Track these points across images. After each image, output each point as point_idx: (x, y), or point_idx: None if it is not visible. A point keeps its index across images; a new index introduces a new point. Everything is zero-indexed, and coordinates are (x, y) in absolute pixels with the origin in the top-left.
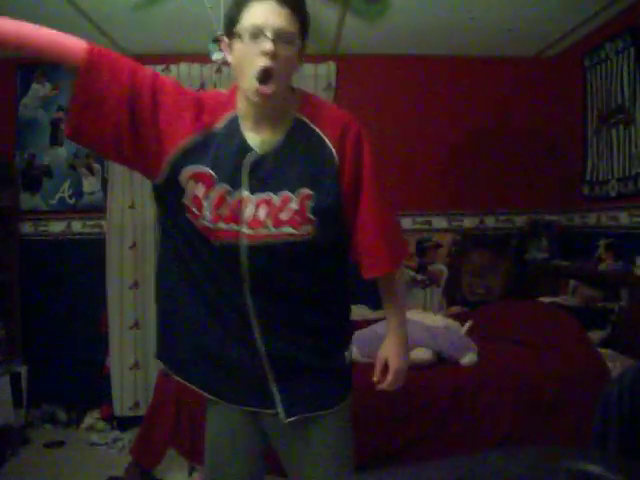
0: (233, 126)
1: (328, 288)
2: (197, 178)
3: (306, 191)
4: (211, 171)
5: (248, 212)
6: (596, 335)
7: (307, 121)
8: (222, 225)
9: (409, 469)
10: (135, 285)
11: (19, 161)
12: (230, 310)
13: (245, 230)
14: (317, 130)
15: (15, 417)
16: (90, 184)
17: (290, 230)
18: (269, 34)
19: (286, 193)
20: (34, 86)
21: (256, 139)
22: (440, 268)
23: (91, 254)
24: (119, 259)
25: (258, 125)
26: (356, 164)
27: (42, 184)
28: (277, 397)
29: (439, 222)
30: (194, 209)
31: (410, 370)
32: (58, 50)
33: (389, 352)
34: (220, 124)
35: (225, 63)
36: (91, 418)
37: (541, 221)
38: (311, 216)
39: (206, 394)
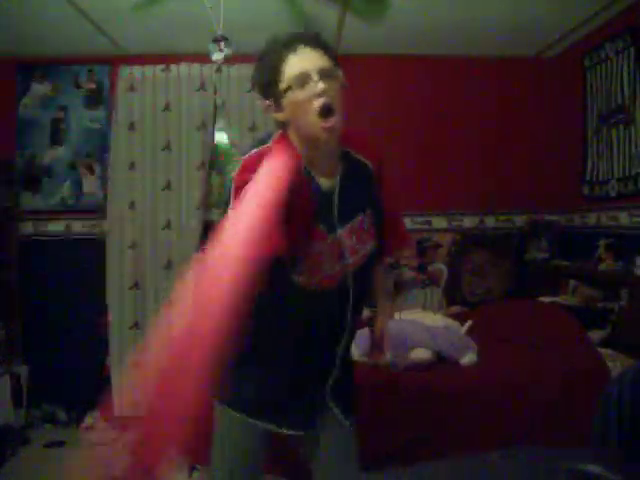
0: (308, 179)
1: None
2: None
3: (369, 211)
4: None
5: (345, 243)
6: (596, 335)
7: (351, 151)
8: (327, 267)
9: (409, 469)
10: (135, 285)
11: (19, 161)
12: (323, 334)
13: (349, 260)
14: (360, 158)
15: (15, 417)
16: (90, 184)
17: (370, 246)
18: (315, 76)
19: (360, 216)
20: (34, 86)
21: (324, 182)
22: (440, 268)
23: (91, 254)
24: (119, 259)
25: (324, 167)
26: (383, 181)
27: (42, 184)
28: (334, 407)
29: (439, 222)
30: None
31: (410, 370)
32: None
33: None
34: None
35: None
36: (91, 418)
37: (541, 221)
38: (374, 230)
39: (249, 419)
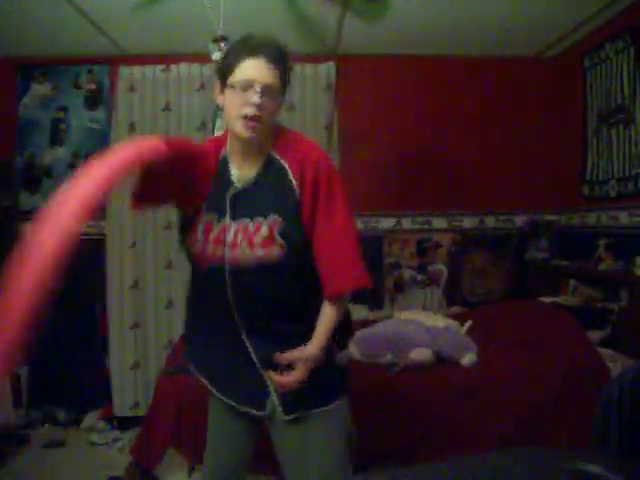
0: (223, 163)
1: (302, 300)
2: (197, 211)
3: (275, 217)
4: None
5: (229, 236)
6: (596, 335)
7: (277, 156)
8: (210, 248)
9: (409, 469)
10: (135, 285)
11: (19, 161)
12: (225, 324)
13: (227, 253)
14: (284, 164)
15: (15, 417)
16: None
17: (261, 252)
18: (257, 88)
19: (259, 220)
20: (34, 86)
21: (238, 174)
22: (440, 268)
23: (91, 254)
24: (119, 259)
25: (242, 161)
26: (313, 196)
27: (42, 184)
28: (275, 397)
29: (439, 222)
30: (192, 236)
31: (410, 370)
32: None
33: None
34: (218, 164)
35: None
36: (91, 418)
37: (541, 221)
38: (279, 240)
39: (213, 391)
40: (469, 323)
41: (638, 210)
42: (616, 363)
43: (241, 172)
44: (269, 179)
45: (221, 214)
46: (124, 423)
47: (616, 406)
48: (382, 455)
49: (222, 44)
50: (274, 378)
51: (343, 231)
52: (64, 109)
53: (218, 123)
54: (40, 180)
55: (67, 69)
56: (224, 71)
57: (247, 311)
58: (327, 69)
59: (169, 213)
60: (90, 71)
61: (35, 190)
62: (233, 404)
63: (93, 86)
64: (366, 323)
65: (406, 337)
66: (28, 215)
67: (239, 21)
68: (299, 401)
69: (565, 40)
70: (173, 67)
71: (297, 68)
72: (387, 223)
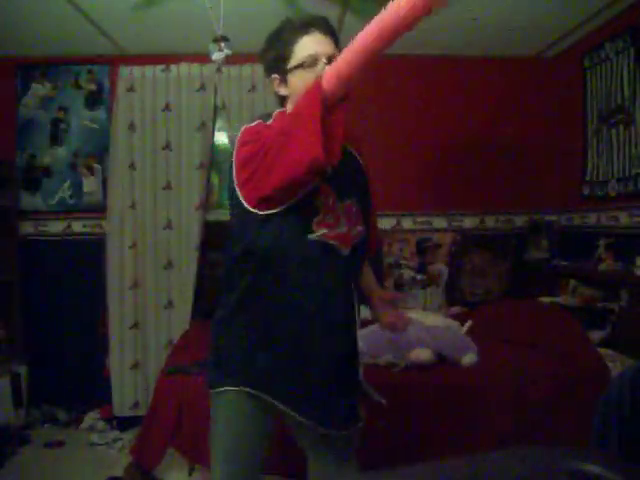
0: None
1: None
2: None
3: (356, 199)
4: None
5: (342, 219)
6: (596, 335)
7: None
8: (346, 228)
9: (409, 470)
10: (135, 285)
11: (19, 161)
12: (332, 320)
13: (356, 229)
14: (350, 149)
15: (15, 417)
16: (90, 184)
17: (360, 229)
18: (324, 60)
19: (350, 200)
20: (34, 86)
21: None
22: (440, 268)
23: (91, 254)
24: (119, 259)
25: None
26: (368, 174)
27: (42, 184)
28: (340, 407)
29: (439, 222)
30: (331, 220)
31: (410, 370)
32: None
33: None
34: None
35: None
36: (91, 418)
37: (541, 221)
38: (361, 218)
39: (284, 407)
40: (469, 323)
41: (638, 210)
42: (616, 363)
43: None
44: (346, 163)
45: (333, 194)
46: (124, 423)
47: (616, 406)
48: (381, 455)
49: (222, 44)
50: (386, 320)
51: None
52: (64, 109)
53: (219, 123)
54: (40, 180)
55: (67, 69)
56: (279, 61)
57: (354, 298)
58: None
59: (169, 213)
60: (90, 71)
61: (35, 190)
62: (310, 422)
63: (93, 86)
64: (366, 323)
65: (406, 337)
66: (28, 215)
67: (239, 21)
68: (356, 414)
69: (565, 40)
70: (173, 67)
71: None
72: (387, 223)
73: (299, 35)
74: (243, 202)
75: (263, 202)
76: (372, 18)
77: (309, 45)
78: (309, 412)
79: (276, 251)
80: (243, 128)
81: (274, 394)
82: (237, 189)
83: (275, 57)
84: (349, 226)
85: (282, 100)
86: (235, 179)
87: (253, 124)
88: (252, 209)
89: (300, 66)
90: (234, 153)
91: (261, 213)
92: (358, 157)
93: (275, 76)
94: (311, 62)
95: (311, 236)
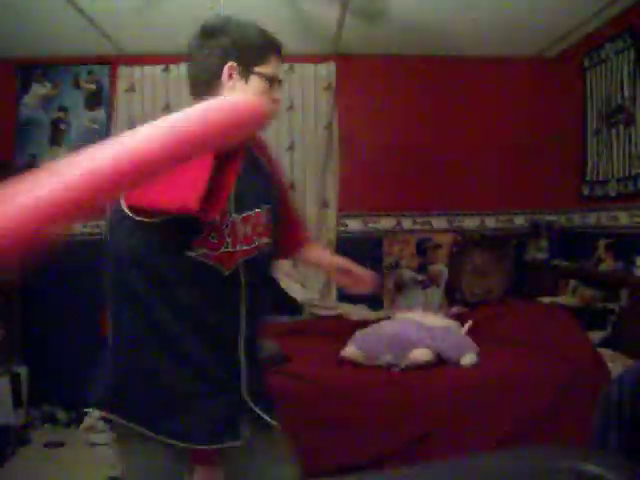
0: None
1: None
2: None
3: (267, 206)
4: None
5: (240, 230)
6: (596, 335)
7: (250, 148)
8: (229, 247)
9: (409, 470)
10: None
11: (19, 161)
12: (223, 335)
13: (243, 246)
14: (255, 154)
15: (15, 417)
16: None
17: (266, 240)
18: (279, 85)
19: (258, 209)
20: (34, 86)
21: None
22: (440, 268)
23: (91, 254)
24: None
25: None
26: (279, 179)
27: None
28: (255, 409)
29: (439, 222)
30: (214, 240)
31: (410, 370)
32: None
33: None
34: None
35: None
36: (91, 418)
37: (541, 221)
38: (271, 225)
39: (176, 442)
40: (469, 323)
41: (638, 210)
42: (616, 363)
43: None
44: (251, 170)
45: (228, 209)
46: None
47: (616, 406)
48: (381, 455)
49: None
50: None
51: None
52: (64, 109)
53: None
54: None
55: (67, 69)
56: (249, 58)
57: (251, 317)
58: (327, 69)
59: None
60: (90, 71)
61: None
62: (174, 442)
63: (93, 86)
64: (366, 323)
65: (406, 337)
66: None
67: None
68: (271, 406)
69: (565, 40)
70: (173, 67)
71: (297, 68)
72: (387, 223)
73: (272, 53)
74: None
75: (135, 210)
76: (372, 18)
77: (276, 65)
78: (204, 437)
79: (155, 263)
80: None
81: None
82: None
83: (247, 53)
84: (242, 242)
85: (210, 87)
86: None
87: None
88: (127, 210)
89: (266, 77)
90: None
91: (137, 218)
92: (266, 164)
93: (234, 64)
94: (272, 81)
95: (189, 253)
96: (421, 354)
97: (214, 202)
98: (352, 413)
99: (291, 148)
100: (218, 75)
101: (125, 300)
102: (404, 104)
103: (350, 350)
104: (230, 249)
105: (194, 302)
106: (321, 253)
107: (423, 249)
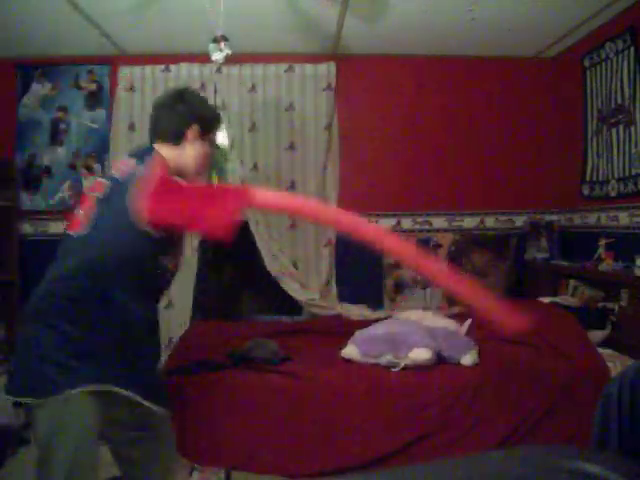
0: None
1: None
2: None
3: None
4: None
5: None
6: (596, 335)
7: None
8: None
9: (410, 470)
10: None
11: (19, 161)
12: (156, 322)
13: (179, 260)
14: None
15: (15, 417)
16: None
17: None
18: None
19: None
20: (34, 86)
21: None
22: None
23: None
24: None
25: None
26: None
27: (42, 184)
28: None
29: (439, 222)
30: (177, 252)
31: (410, 370)
32: None
33: None
34: None
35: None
36: None
37: (541, 221)
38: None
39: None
40: (468, 321)
41: (638, 210)
42: (616, 363)
43: None
44: None
45: None
46: None
47: (616, 406)
48: (381, 455)
49: (222, 44)
50: None
51: None
52: (64, 109)
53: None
54: (40, 180)
55: (67, 69)
56: (210, 125)
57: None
58: (327, 69)
59: None
60: (90, 71)
61: (35, 190)
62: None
63: (93, 86)
64: (366, 323)
65: (406, 337)
66: (28, 215)
67: (239, 21)
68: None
69: (565, 40)
70: (173, 67)
71: (297, 68)
72: (387, 223)
73: (219, 127)
74: (136, 214)
75: (153, 223)
76: (372, 18)
77: (221, 136)
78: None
79: (138, 261)
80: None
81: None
82: (134, 203)
83: (210, 121)
84: (182, 256)
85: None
86: (141, 197)
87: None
88: (141, 221)
89: (210, 142)
90: (144, 184)
91: (144, 229)
92: None
93: (197, 127)
94: (214, 148)
95: (161, 258)
96: (421, 354)
97: (232, 231)
98: (352, 413)
99: (291, 148)
100: (184, 132)
101: (92, 287)
102: (404, 104)
103: (350, 350)
104: (180, 259)
105: (151, 291)
106: None
107: (423, 249)
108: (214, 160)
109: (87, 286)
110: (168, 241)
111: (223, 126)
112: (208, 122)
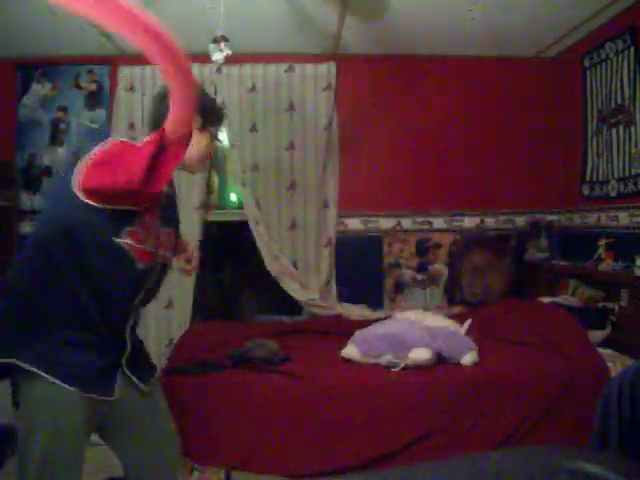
0: None
1: None
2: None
3: (174, 229)
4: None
5: (164, 240)
6: (596, 335)
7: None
8: (150, 246)
9: (410, 470)
10: None
11: (19, 161)
12: (117, 311)
13: (160, 251)
14: (172, 191)
15: (15, 417)
16: None
17: (169, 254)
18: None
19: (172, 229)
20: (34, 86)
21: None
22: (440, 268)
23: None
24: None
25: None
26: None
27: (42, 184)
28: (131, 376)
29: (439, 222)
30: (140, 235)
31: (410, 370)
32: None
33: None
34: None
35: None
36: None
37: (541, 221)
38: (174, 244)
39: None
40: (468, 322)
41: (638, 210)
42: (616, 363)
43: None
44: (170, 199)
45: (158, 219)
46: None
47: (616, 406)
48: (382, 455)
49: (222, 44)
50: (184, 268)
51: None
52: (64, 109)
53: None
54: (40, 180)
55: (67, 69)
56: (211, 117)
57: (141, 305)
58: (327, 69)
59: None
60: (90, 71)
61: (35, 190)
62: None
63: (93, 86)
64: (366, 323)
65: (406, 337)
66: (28, 215)
67: (239, 21)
68: (145, 376)
69: (565, 40)
70: None
71: (297, 68)
72: (387, 223)
73: (220, 122)
74: (75, 184)
75: (89, 192)
76: (372, 18)
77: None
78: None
79: (83, 238)
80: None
81: None
82: (79, 172)
83: (211, 113)
84: (160, 249)
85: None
86: (84, 162)
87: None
88: (79, 192)
89: (211, 133)
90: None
91: (83, 200)
92: (175, 198)
93: (198, 118)
94: (214, 139)
95: (115, 239)
96: (421, 354)
97: (155, 180)
98: (352, 413)
99: (291, 148)
100: None
101: (40, 257)
102: (404, 104)
103: (350, 350)
104: (151, 249)
105: (102, 276)
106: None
107: (423, 249)
108: (215, 158)
109: (33, 258)
110: (120, 216)
111: (225, 121)
112: (209, 113)
